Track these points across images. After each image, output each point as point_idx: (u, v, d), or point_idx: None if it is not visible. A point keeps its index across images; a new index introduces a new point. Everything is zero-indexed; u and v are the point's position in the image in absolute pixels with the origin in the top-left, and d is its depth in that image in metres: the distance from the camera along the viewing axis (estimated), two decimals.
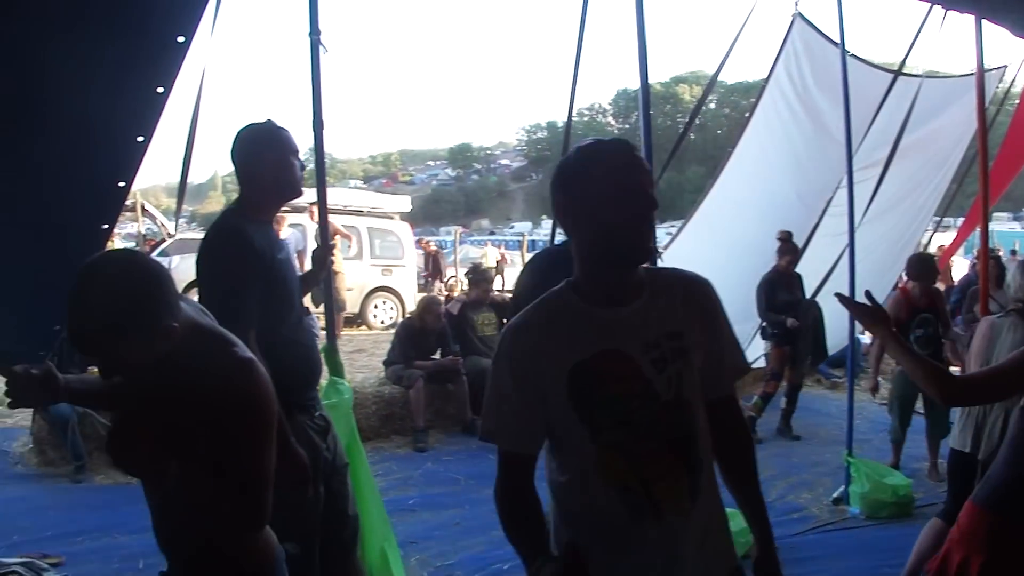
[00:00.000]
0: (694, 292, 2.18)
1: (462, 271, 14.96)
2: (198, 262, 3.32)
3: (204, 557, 2.25)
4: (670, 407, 2.02)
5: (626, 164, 2.02)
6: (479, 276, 9.61)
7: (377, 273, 17.47)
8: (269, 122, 3.41)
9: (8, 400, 2.36)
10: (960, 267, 16.06)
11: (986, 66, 6.70)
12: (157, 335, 2.06)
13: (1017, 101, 11.88)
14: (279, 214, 3.68)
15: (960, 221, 14.91)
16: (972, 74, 7.06)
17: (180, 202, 7.07)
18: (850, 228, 6.23)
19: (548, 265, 4.31)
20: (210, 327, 2.30)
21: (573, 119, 7.10)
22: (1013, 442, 2.80)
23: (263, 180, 3.35)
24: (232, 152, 3.39)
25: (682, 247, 8.83)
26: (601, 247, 2.02)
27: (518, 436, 2.09)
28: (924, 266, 6.96)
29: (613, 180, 1.98)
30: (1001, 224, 36.63)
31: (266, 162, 3.33)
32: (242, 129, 3.40)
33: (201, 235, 20.82)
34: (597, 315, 2.04)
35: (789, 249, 8.29)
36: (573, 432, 2.02)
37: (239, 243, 3.18)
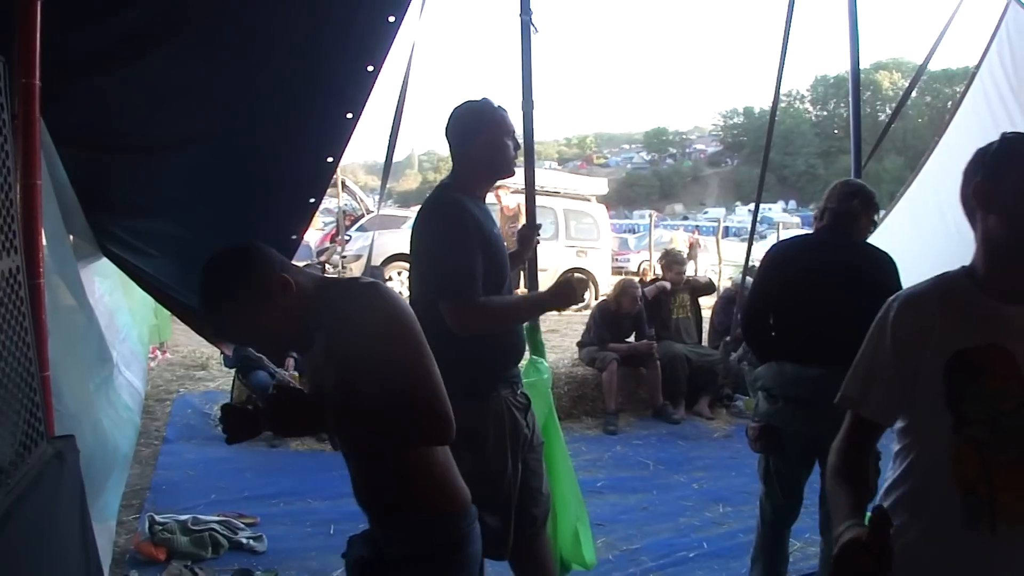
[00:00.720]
0: None
1: (656, 255, 14.79)
2: (414, 234, 3.39)
3: (398, 515, 2.33)
4: None
5: None
6: (672, 260, 9.48)
7: (572, 255, 17.51)
8: (485, 100, 3.43)
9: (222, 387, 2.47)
10: None
11: None
12: (269, 288, 2.15)
13: None
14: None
15: None
16: None
17: (385, 179, 7.22)
18: None
19: (786, 257, 4.26)
20: (332, 279, 2.40)
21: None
22: None
23: (476, 158, 3.37)
24: (447, 128, 3.43)
25: (882, 240, 8.47)
26: (1015, 240, 1.94)
27: (882, 407, 2.05)
28: None
29: None
30: None
31: (480, 140, 3.35)
32: (459, 106, 3.43)
33: (398, 212, 21.36)
34: (990, 307, 1.97)
35: None
36: (936, 418, 1.95)
37: (459, 213, 3.22)
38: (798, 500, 4.19)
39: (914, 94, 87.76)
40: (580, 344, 8.89)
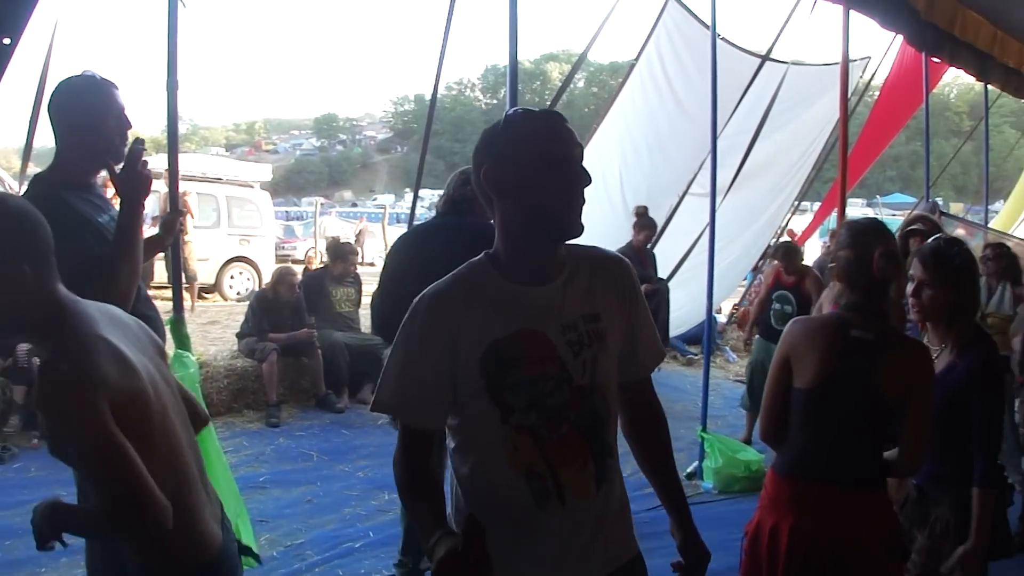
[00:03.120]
0: (613, 272, 2.12)
1: (322, 243, 14.66)
2: None
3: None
4: (584, 392, 1.98)
5: (562, 136, 1.94)
6: (342, 250, 9.36)
7: (234, 243, 16.99)
8: (87, 75, 3.04)
9: None
10: (813, 249, 16.60)
11: (851, 57, 6.87)
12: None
13: (877, 92, 12.31)
14: None
15: (816, 206, 15.35)
16: (837, 63, 7.23)
17: (25, 164, 6.67)
18: (711, 209, 6.31)
19: (421, 241, 4.22)
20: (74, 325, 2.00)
21: (441, 93, 7.01)
22: (803, 409, 2.89)
23: (77, 141, 3.01)
24: (48, 108, 3.02)
25: None
26: (532, 221, 1.93)
27: (423, 411, 1.98)
28: (786, 252, 7.21)
29: (549, 152, 1.90)
30: (855, 210, 38.19)
31: (80, 119, 2.99)
32: (60, 82, 3.04)
33: None
34: (517, 292, 1.96)
35: (646, 224, 8.38)
36: (482, 412, 1.94)
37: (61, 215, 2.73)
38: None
39: (582, 84, 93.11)
40: (239, 335, 8.57)
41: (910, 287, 3.19)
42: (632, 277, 2.15)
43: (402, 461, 2.01)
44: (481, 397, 1.93)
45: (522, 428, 1.93)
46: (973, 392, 3.02)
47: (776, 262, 7.05)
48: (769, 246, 11.55)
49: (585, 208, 1.96)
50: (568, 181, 1.91)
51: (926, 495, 3.23)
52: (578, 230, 1.95)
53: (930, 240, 3.32)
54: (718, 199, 6.91)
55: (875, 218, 3.12)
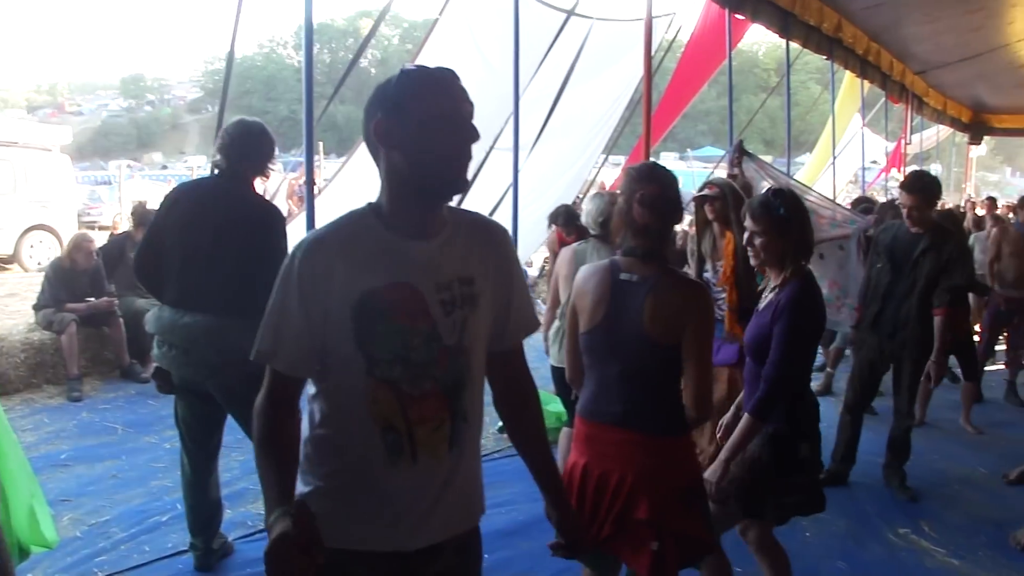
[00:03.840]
0: (492, 239, 2.16)
1: (129, 207, 14.05)
2: None
3: None
4: (450, 352, 2.00)
5: (452, 92, 1.96)
6: (146, 215, 8.97)
7: (34, 210, 16.19)
8: None
9: None
10: None
11: (655, 13, 7.01)
12: None
13: (683, 49, 12.63)
14: None
15: (623, 160, 15.70)
16: (642, 19, 7.36)
17: None
18: (515, 164, 6.34)
19: (175, 199, 4.12)
20: None
21: (253, 51, 6.80)
22: (587, 352, 3.00)
23: None
24: None
25: (347, 181, 8.78)
26: (418, 175, 1.93)
27: (296, 358, 1.98)
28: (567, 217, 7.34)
29: (439, 107, 1.92)
30: (668, 163, 39.20)
31: None
32: None
33: None
34: (397, 245, 1.96)
35: None
36: (348, 360, 1.96)
37: None
38: (214, 451, 4.34)
39: (397, 42, 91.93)
40: (35, 307, 8.12)
41: (745, 237, 3.44)
42: (509, 246, 2.20)
43: (266, 412, 2.01)
44: (349, 345, 1.94)
45: (385, 381, 1.95)
46: (774, 325, 3.24)
47: (555, 227, 7.15)
48: (577, 199, 11.72)
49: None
50: (456, 136, 1.94)
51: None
52: (463, 186, 2.00)
53: (761, 194, 3.64)
54: (524, 154, 6.96)
55: (650, 163, 3.22)
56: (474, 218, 2.17)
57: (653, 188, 2.83)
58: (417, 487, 2.00)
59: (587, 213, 5.08)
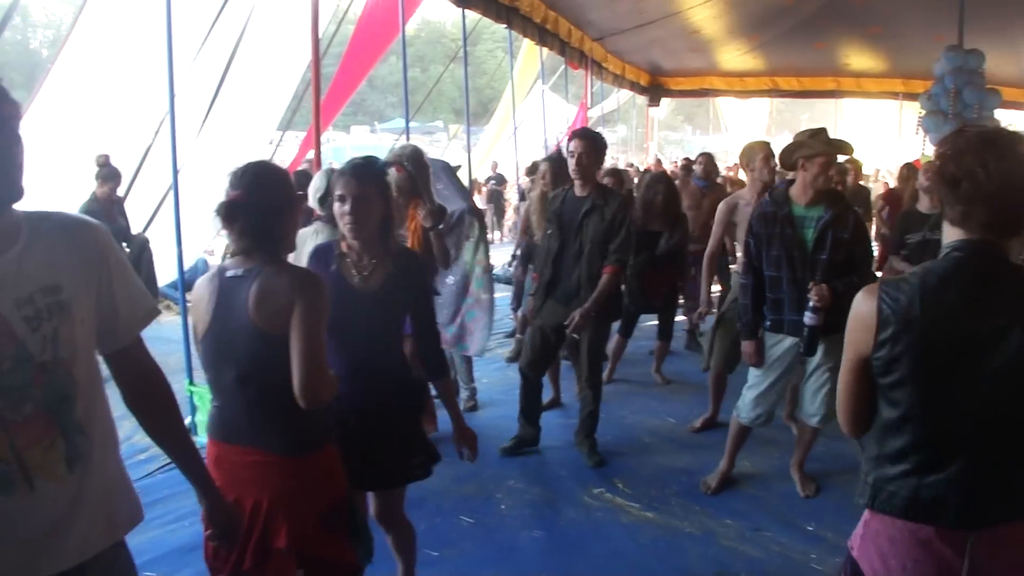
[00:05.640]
0: (77, 238, 1.98)
1: None
2: None
3: None
4: (46, 368, 1.87)
5: None
6: None
7: None
8: None
9: None
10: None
11: None
12: None
13: (354, 24, 12.50)
14: None
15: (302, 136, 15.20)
16: None
17: None
18: (172, 149, 5.87)
19: None
20: None
21: None
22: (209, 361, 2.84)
23: None
24: None
25: None
26: None
27: None
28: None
29: None
30: (360, 136, 39.12)
31: None
32: None
33: None
34: None
35: (109, 174, 7.83)
36: None
37: None
38: None
39: (70, 20, 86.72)
40: None
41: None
42: (101, 240, 2.02)
43: None
44: None
45: None
46: None
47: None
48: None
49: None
50: None
51: None
52: (15, 195, 1.84)
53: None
54: (192, 138, 6.57)
55: (242, 167, 2.83)
56: (54, 219, 1.97)
57: (237, 194, 2.66)
58: (40, 512, 1.86)
59: (312, 191, 4.75)
